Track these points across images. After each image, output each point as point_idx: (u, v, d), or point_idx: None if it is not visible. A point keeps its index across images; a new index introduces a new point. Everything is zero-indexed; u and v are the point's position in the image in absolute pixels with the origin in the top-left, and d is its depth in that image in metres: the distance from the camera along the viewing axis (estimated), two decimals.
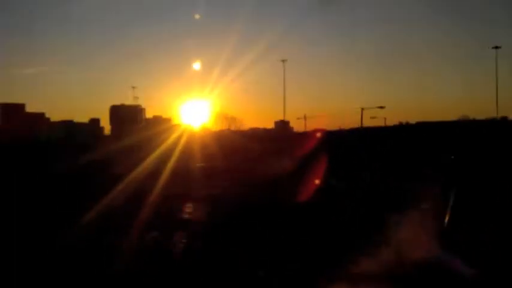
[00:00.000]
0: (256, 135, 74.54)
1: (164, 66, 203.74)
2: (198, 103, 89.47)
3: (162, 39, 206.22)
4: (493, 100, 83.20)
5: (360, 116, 69.69)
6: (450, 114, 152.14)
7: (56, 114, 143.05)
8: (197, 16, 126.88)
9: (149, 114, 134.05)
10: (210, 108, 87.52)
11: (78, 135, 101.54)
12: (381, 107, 69.35)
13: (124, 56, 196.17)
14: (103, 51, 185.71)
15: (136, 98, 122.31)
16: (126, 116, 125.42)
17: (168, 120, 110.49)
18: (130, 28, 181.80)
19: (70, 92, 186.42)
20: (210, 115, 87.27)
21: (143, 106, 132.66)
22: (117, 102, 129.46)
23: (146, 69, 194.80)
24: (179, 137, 47.74)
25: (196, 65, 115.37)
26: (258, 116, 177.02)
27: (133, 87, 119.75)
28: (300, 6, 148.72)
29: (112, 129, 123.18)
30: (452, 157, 33.53)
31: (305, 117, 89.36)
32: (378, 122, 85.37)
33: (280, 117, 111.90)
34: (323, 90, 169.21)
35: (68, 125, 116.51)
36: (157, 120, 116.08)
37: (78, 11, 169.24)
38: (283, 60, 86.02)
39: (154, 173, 27.69)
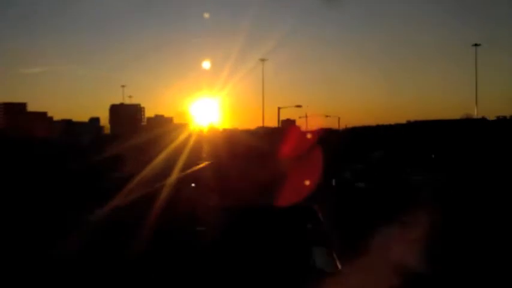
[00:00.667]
0: (261, 134, 78.59)
1: (165, 66, 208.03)
2: (202, 102, 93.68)
3: (162, 40, 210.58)
4: (492, 99, 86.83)
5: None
6: (454, 113, 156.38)
7: (55, 114, 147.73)
8: (206, 15, 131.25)
9: (149, 113, 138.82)
10: (217, 107, 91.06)
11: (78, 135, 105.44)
12: (298, 106, 73.71)
13: (123, 55, 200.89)
14: (103, 51, 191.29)
15: (130, 97, 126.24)
16: (126, 115, 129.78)
17: (169, 119, 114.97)
18: (130, 29, 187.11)
19: (71, 92, 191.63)
20: (217, 114, 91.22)
21: (142, 105, 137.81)
22: (116, 102, 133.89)
23: (145, 69, 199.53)
24: (189, 135, 52.36)
25: (205, 64, 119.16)
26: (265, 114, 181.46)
27: (123, 86, 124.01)
28: (306, 6, 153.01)
29: (112, 128, 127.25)
30: (433, 156, 37.64)
31: (306, 116, 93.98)
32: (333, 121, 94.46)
33: (287, 116, 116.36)
34: (327, 90, 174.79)
35: (67, 124, 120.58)
36: (159, 119, 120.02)
37: (83, 12, 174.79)
38: (262, 60, 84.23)
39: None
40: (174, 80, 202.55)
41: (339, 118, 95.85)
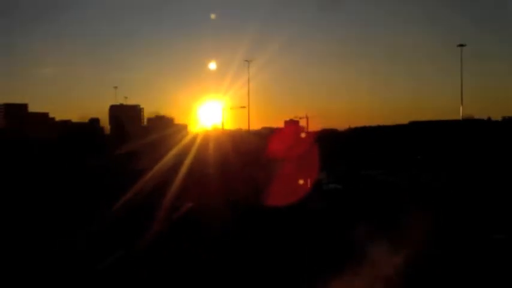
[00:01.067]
0: (266, 134, 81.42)
1: (165, 67, 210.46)
2: (204, 103, 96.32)
3: (162, 40, 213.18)
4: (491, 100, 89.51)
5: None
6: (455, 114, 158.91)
7: (56, 115, 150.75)
8: (213, 16, 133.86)
9: (149, 113, 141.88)
10: (219, 108, 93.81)
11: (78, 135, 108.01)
12: (243, 107, 79.92)
13: (123, 56, 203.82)
14: (104, 52, 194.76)
15: (126, 97, 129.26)
16: (126, 116, 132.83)
17: (170, 120, 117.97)
18: (131, 29, 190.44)
19: (71, 92, 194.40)
20: (219, 115, 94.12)
21: (142, 106, 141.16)
22: (114, 103, 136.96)
23: (146, 69, 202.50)
24: (195, 136, 55.58)
25: (206, 65, 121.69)
26: (268, 114, 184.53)
27: (115, 87, 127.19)
28: (309, 9, 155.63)
29: (112, 129, 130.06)
30: (419, 157, 40.60)
31: (307, 117, 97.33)
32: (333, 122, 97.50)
33: (290, 116, 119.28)
34: (330, 90, 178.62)
35: (67, 125, 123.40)
36: (160, 120, 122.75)
37: (84, 13, 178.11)
38: (247, 60, 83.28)
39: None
40: (175, 81, 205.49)
41: (307, 118, 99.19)
